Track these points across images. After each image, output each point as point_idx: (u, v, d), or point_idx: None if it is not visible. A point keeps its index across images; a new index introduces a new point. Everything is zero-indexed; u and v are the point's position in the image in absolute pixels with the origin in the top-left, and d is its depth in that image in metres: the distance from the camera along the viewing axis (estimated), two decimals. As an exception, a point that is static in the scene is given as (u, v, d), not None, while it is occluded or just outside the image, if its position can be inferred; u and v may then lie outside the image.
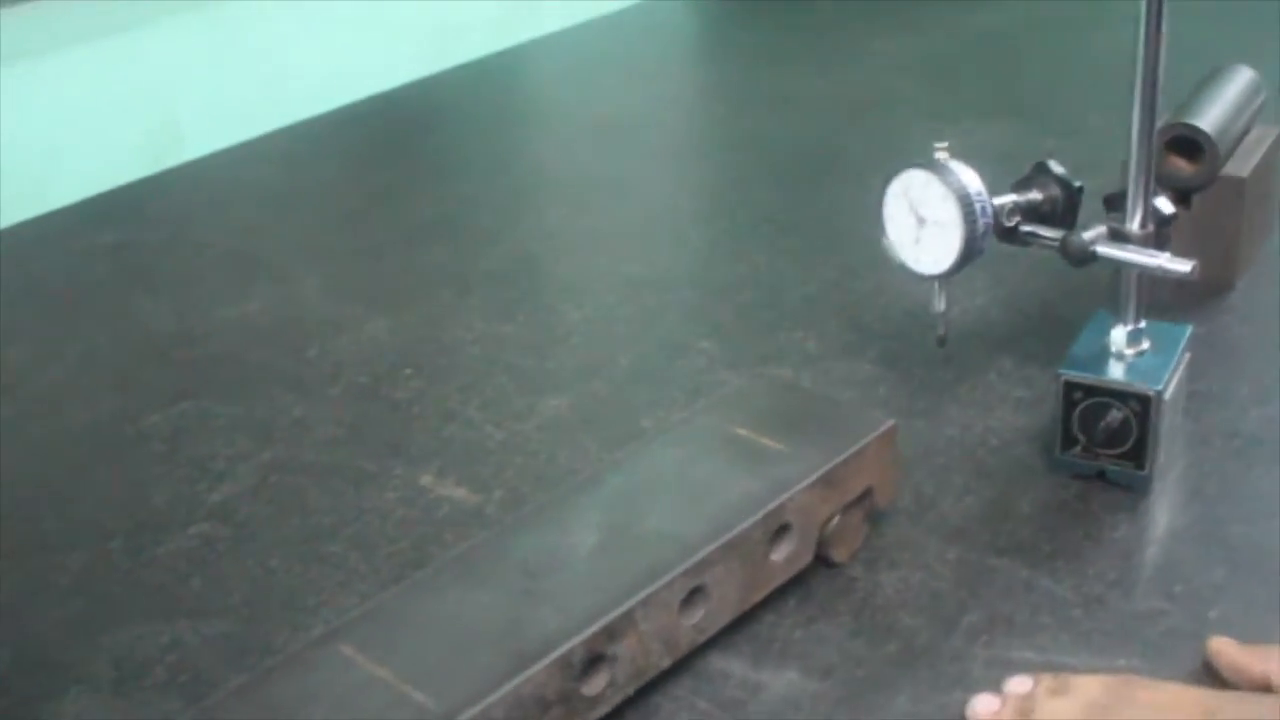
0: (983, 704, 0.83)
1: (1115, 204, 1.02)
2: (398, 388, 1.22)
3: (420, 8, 2.29)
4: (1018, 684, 0.83)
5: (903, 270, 1.05)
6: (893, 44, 1.97)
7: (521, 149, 1.81)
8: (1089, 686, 0.81)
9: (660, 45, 2.18)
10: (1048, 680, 0.83)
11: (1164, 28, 0.96)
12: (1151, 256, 0.97)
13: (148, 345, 1.34)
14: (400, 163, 1.74)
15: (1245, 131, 1.19)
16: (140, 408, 1.23)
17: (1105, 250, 0.99)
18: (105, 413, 1.23)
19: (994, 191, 1.03)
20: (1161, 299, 1.06)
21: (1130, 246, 0.99)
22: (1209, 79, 1.19)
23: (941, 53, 1.94)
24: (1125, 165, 1.11)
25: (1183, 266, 0.96)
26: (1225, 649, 0.84)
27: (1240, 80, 1.19)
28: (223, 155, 1.79)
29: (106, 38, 1.99)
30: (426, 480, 1.09)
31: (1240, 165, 1.22)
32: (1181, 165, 1.12)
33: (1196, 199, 1.13)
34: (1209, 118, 1.13)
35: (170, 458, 1.15)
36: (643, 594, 0.82)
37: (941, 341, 1.07)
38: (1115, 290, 1.04)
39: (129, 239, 1.58)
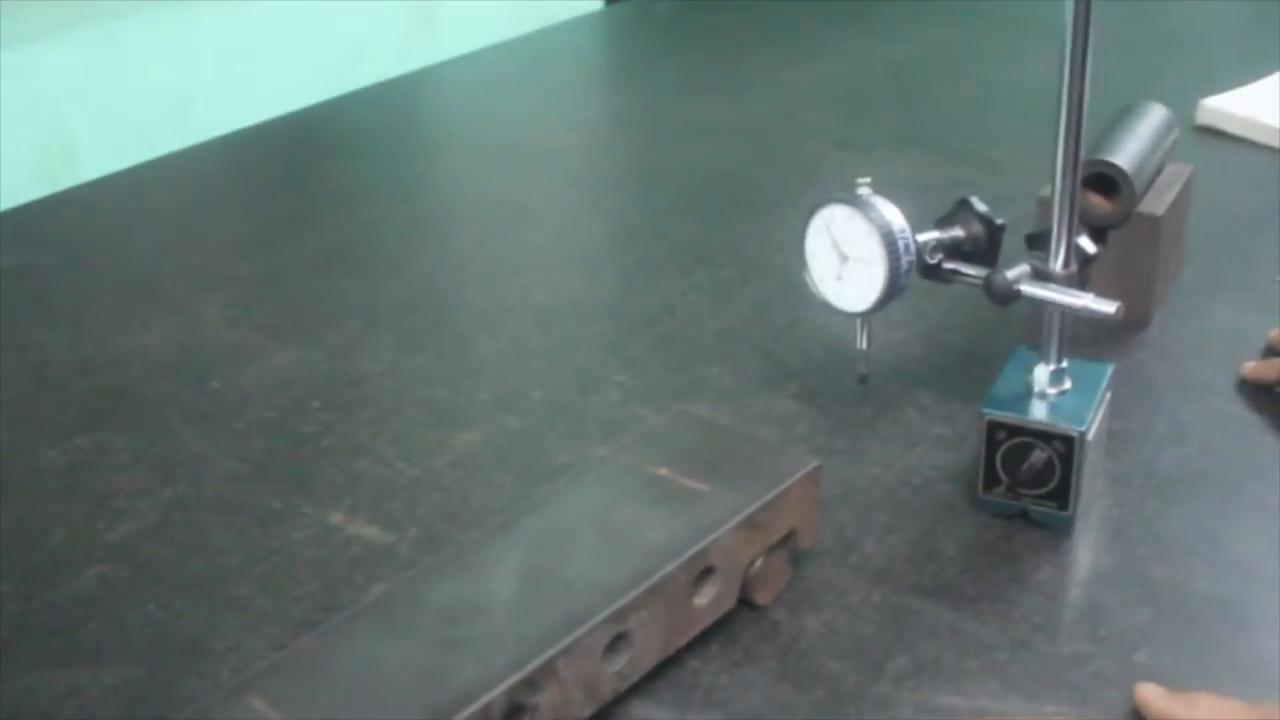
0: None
1: (1037, 243, 1.01)
2: (305, 421, 1.18)
3: (323, 29, 2.25)
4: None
5: (824, 307, 1.04)
6: (803, 73, 1.96)
7: (427, 174, 1.78)
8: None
9: (568, 70, 2.16)
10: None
11: (1089, 65, 0.96)
12: (1076, 297, 0.97)
13: (43, 375, 1.29)
14: (302, 188, 1.70)
15: (1159, 169, 1.19)
16: (35, 442, 1.18)
17: (1030, 290, 0.98)
18: (-2, 447, 1.19)
19: (914, 227, 1.02)
20: (1078, 334, 1.05)
21: (1054, 286, 0.98)
22: (1122, 116, 1.19)
23: (852, 83, 1.94)
24: (1043, 202, 1.11)
25: (1107, 308, 0.95)
26: (1152, 698, 0.84)
27: (1153, 117, 1.19)
28: (120, 177, 1.74)
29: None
30: (336, 519, 1.06)
31: (1155, 203, 1.23)
32: (1098, 202, 1.12)
33: (1112, 236, 1.12)
34: (1125, 154, 1.13)
35: (67, 495, 1.11)
36: (564, 642, 0.80)
37: (863, 379, 1.06)
38: (1035, 327, 1.04)
39: (21, 263, 1.53)
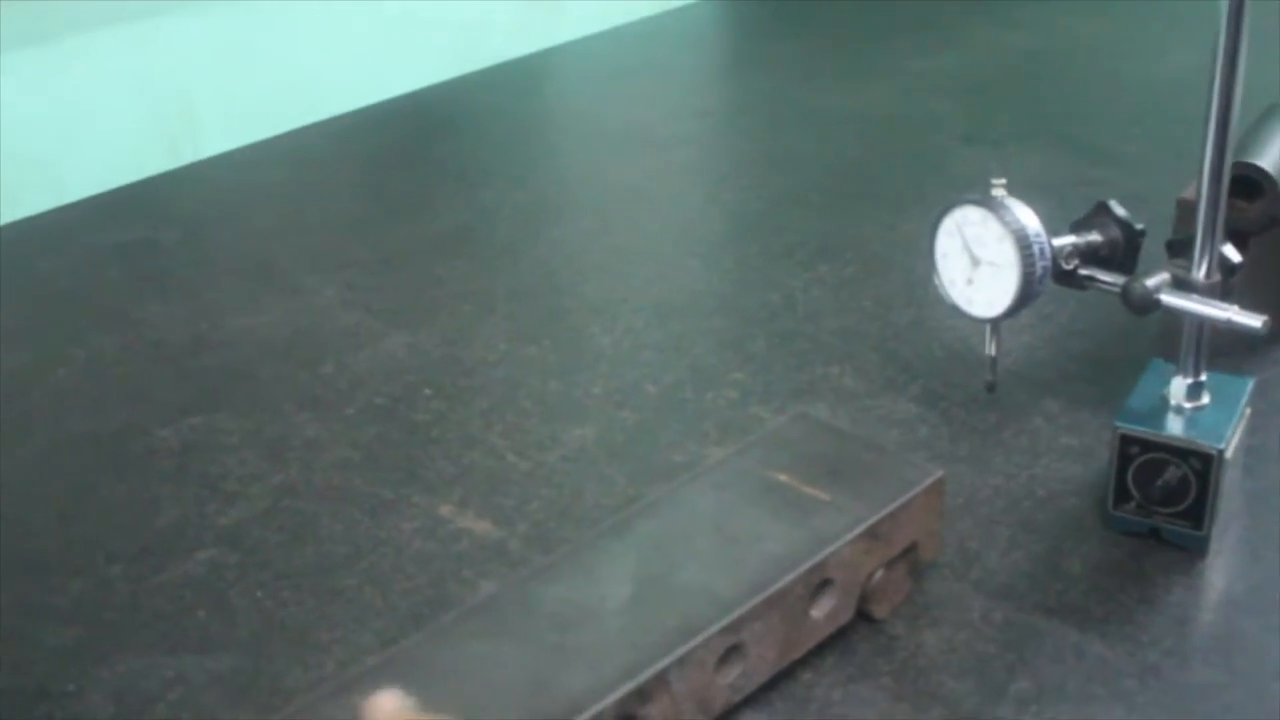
0: None
1: (1179, 250, 0.97)
2: (417, 409, 1.17)
3: (445, 8, 2.25)
4: None
5: (953, 311, 1.00)
6: (930, 64, 1.92)
7: (545, 159, 1.77)
8: None
9: (689, 54, 2.13)
10: None
11: (1240, 66, 0.91)
12: (1220, 309, 0.92)
13: (158, 353, 1.29)
14: (419, 169, 1.69)
15: (1305, 173, 1.14)
16: (149, 420, 1.18)
17: (1170, 300, 0.94)
18: (112, 424, 1.18)
19: (1046, 228, 0.98)
20: (1214, 344, 1.01)
21: (1196, 296, 0.94)
22: (1266, 116, 1.15)
23: (980, 74, 1.89)
24: (1183, 204, 1.07)
25: (1254, 321, 0.91)
26: None
27: (1301, 119, 1.14)
28: (240, 154, 1.75)
29: (122, 24, 1.95)
30: (446, 511, 1.04)
31: (1300, 208, 1.18)
32: (1240, 206, 1.08)
33: (1253, 242, 1.08)
34: (1270, 156, 1.09)
35: (178, 476, 1.11)
36: (677, 652, 0.78)
37: (991, 387, 1.02)
38: (1170, 337, 0.99)
39: (141, 239, 1.53)
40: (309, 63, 2.07)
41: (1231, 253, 0.97)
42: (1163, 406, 0.98)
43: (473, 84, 1.97)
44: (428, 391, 1.19)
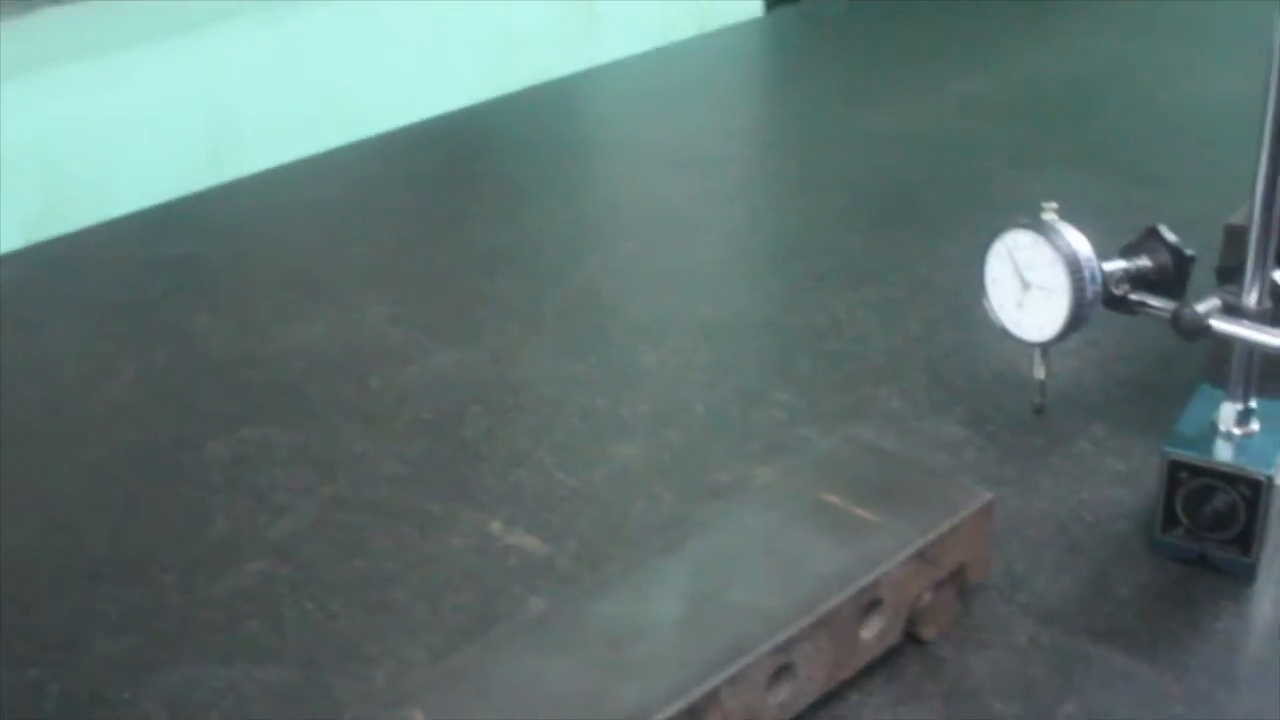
0: None
1: (1229, 276, 0.97)
2: (465, 426, 1.18)
3: (487, 26, 2.26)
4: None
5: (1003, 334, 1.01)
6: (973, 85, 1.92)
7: (589, 178, 1.78)
8: None
9: (731, 75, 2.14)
10: None
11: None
12: (1271, 335, 0.93)
13: (207, 367, 1.30)
14: (464, 187, 1.70)
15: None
16: (200, 432, 1.19)
17: (1221, 326, 0.94)
18: (163, 436, 1.20)
19: (1097, 253, 0.98)
20: (1264, 370, 1.01)
21: (1246, 322, 0.94)
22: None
23: (1024, 96, 1.89)
24: (1231, 230, 1.07)
25: (1305, 348, 0.91)
26: None
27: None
28: (285, 170, 1.76)
29: (167, 38, 1.97)
30: (495, 527, 1.05)
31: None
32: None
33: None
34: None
35: (229, 488, 1.12)
36: (728, 671, 0.78)
37: (1039, 410, 1.03)
38: (1218, 362, 1.00)
39: (188, 253, 1.55)
40: (352, 80, 2.09)
41: (1282, 279, 0.97)
42: (1211, 432, 0.98)
43: (514, 103, 1.99)
44: (476, 408, 1.20)
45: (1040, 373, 1.02)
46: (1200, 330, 0.95)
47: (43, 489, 1.14)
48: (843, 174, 1.67)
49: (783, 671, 0.82)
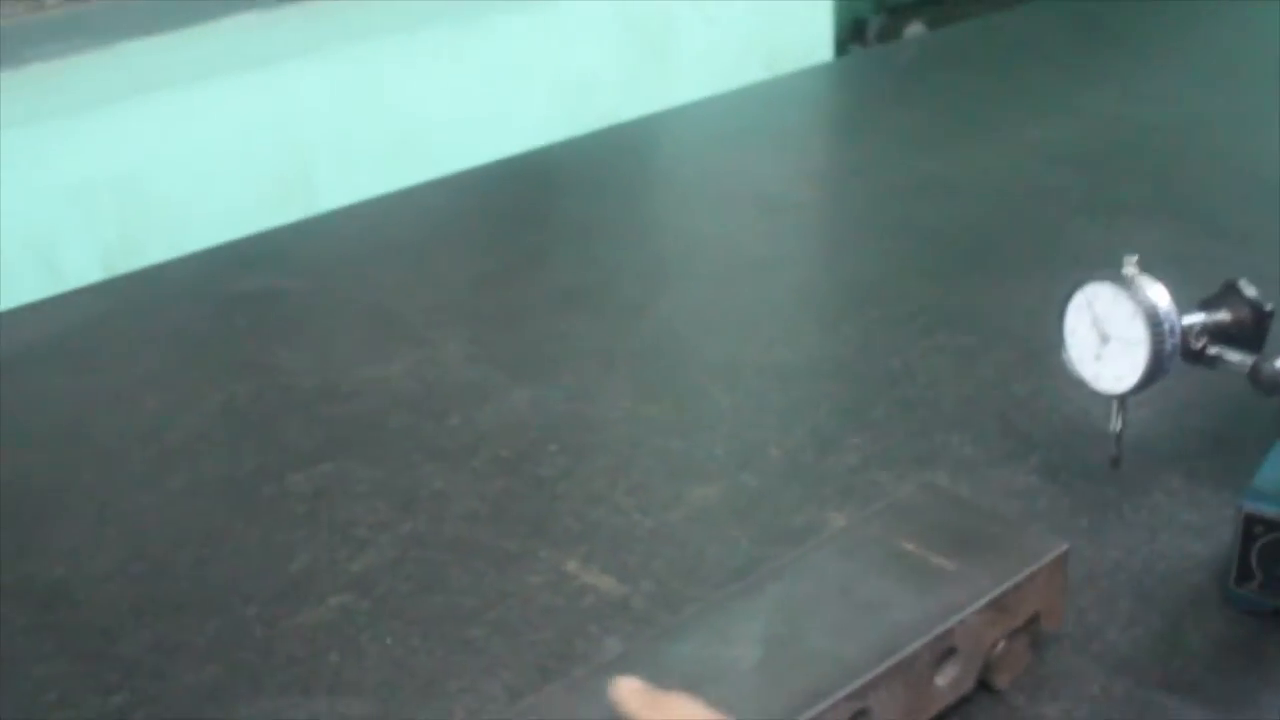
0: None
1: (1309, 331, 0.98)
2: (542, 464, 1.20)
3: (561, 67, 2.29)
4: None
5: (1081, 386, 1.02)
6: (1046, 132, 1.92)
7: (664, 218, 1.80)
8: None
9: (803, 119, 2.15)
10: None
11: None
12: (1350, 392, 0.93)
13: (289, 400, 1.32)
14: (540, 226, 1.72)
15: None
16: (281, 465, 1.21)
17: (1300, 381, 0.95)
18: (246, 468, 1.22)
19: (1175, 306, 0.99)
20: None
21: (1326, 379, 0.95)
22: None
23: (1097, 144, 1.89)
24: (1310, 286, 1.07)
25: (1385, 406, 0.91)
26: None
27: None
28: (363, 206, 1.79)
29: (246, 72, 2.01)
30: (571, 566, 1.06)
31: None
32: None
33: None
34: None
35: (310, 521, 1.14)
36: (805, 716, 0.79)
37: (1116, 462, 1.03)
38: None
39: (270, 287, 1.57)
40: (430, 118, 2.12)
41: (1362, 336, 0.97)
42: (1289, 488, 0.98)
43: (588, 145, 2.00)
44: (553, 447, 1.22)
45: (1117, 424, 1.03)
46: (1278, 386, 0.96)
47: (127, 519, 1.16)
48: (915, 220, 1.67)
49: (859, 717, 0.82)
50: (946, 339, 1.37)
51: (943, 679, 0.87)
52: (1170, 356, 0.97)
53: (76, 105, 1.86)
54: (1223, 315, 1.00)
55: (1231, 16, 2.40)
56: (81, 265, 1.77)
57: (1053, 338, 1.07)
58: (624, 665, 0.84)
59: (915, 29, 3.93)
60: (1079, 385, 1.03)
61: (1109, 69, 2.15)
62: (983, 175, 1.80)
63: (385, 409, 1.30)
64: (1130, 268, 0.98)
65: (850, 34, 4.09)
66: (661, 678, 0.82)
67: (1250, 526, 0.96)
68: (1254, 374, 0.96)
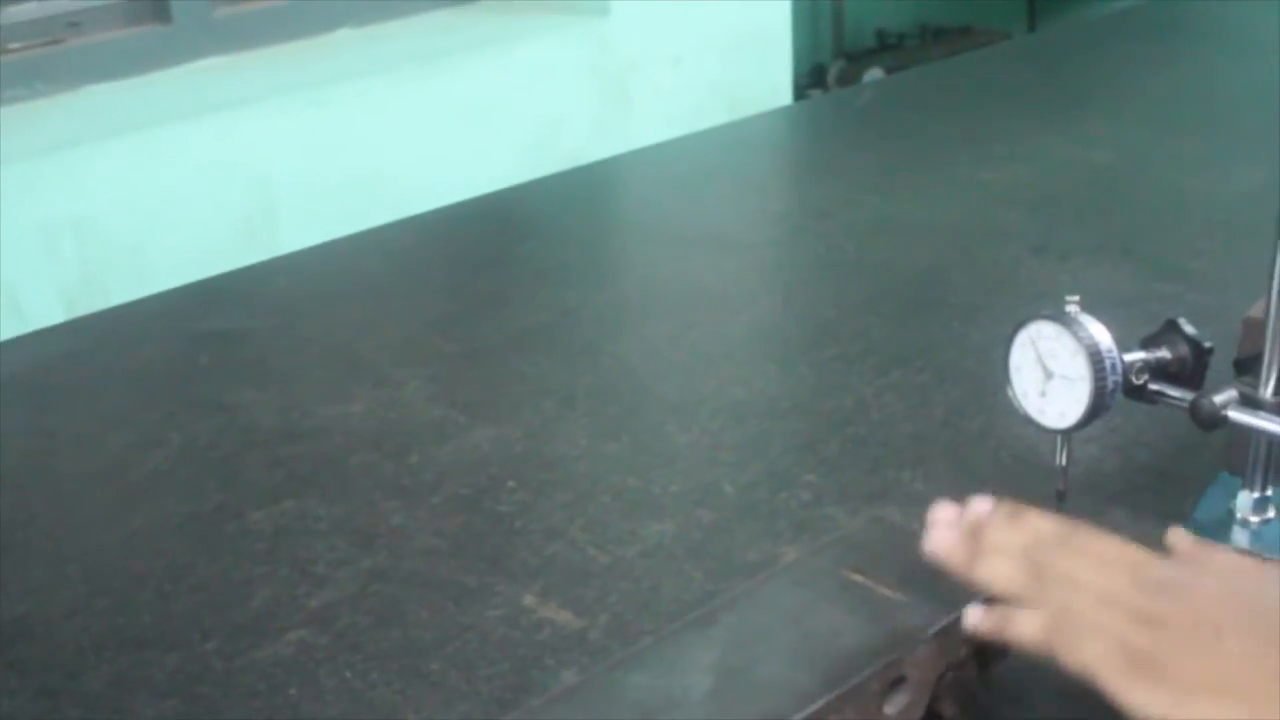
0: (942, 512, 0.90)
1: (1247, 367, 1.01)
2: (500, 501, 1.21)
3: (524, 110, 2.32)
4: (979, 504, 0.91)
5: (1026, 421, 1.04)
6: (1000, 174, 1.96)
7: (623, 260, 1.82)
8: (1041, 522, 0.88)
9: (764, 161, 2.18)
10: (1005, 508, 0.90)
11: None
12: (1287, 426, 0.96)
13: (250, 439, 1.34)
14: (502, 266, 1.74)
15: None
16: (242, 503, 1.23)
17: (1238, 416, 0.97)
18: (207, 506, 1.23)
19: (1118, 343, 1.02)
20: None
21: (1263, 413, 0.97)
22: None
23: (1049, 186, 1.92)
24: (1250, 323, 1.10)
25: (1320, 439, 0.94)
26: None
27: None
28: (326, 247, 1.80)
29: (209, 114, 2.02)
30: (529, 600, 1.08)
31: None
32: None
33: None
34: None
35: (271, 558, 1.15)
36: (756, 743, 0.81)
37: (1061, 496, 1.06)
38: (1237, 450, 1.02)
39: (232, 327, 1.59)
40: (392, 160, 2.14)
41: (1298, 372, 1.00)
42: (1229, 520, 1.01)
43: (551, 186, 2.03)
44: (511, 484, 1.24)
45: (1062, 459, 1.05)
46: (1217, 421, 0.98)
47: (88, 556, 1.18)
48: (870, 260, 1.70)
49: (808, 745, 0.84)
50: (899, 377, 1.39)
51: (892, 707, 0.89)
52: (1112, 393, 0.99)
53: (39, 148, 1.87)
54: (1164, 353, 1.03)
55: (1179, 62, 2.45)
56: (44, 306, 1.78)
57: (1002, 376, 1.09)
58: (577, 695, 0.86)
59: (874, 74, 3.99)
60: (1028, 422, 1.05)
61: (1061, 113, 2.19)
62: (937, 216, 1.83)
63: (346, 447, 1.31)
64: (1072, 306, 1.00)
65: (811, 79, 4.15)
66: (614, 708, 0.84)
67: (1192, 558, 0.98)
68: (1193, 410, 0.99)
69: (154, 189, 1.95)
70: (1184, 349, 1.03)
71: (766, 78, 2.71)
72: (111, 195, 1.91)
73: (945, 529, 0.90)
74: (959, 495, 1.18)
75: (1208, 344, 1.03)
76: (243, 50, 2.27)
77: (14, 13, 2.10)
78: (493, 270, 1.72)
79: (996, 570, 0.86)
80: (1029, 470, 1.22)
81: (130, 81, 2.14)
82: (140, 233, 1.92)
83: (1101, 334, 0.99)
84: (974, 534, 0.88)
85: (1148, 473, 1.22)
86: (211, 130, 2.02)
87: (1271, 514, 1.00)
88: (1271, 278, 0.97)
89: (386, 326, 1.58)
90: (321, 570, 1.13)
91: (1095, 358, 0.98)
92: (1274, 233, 0.96)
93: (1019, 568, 0.85)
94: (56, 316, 1.71)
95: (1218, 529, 0.99)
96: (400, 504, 1.21)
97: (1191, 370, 1.03)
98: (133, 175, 1.93)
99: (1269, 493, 1.00)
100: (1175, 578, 0.82)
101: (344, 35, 2.38)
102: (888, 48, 4.43)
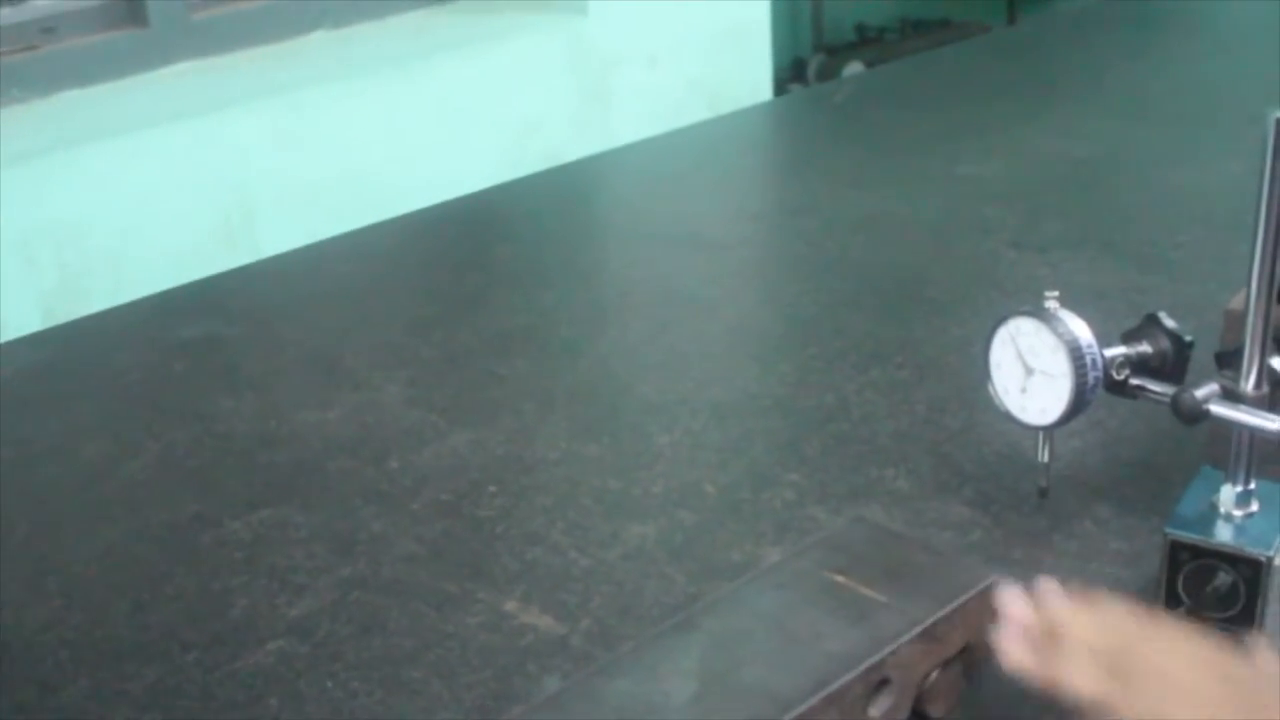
0: (1013, 606, 0.83)
1: (1228, 361, 1.00)
2: (481, 506, 1.20)
3: (503, 110, 2.31)
4: (1049, 594, 0.83)
5: (1007, 418, 1.03)
6: (980, 169, 1.95)
7: (602, 259, 1.81)
8: (1118, 614, 0.82)
9: (743, 159, 2.18)
10: (1076, 597, 0.83)
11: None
12: (1269, 420, 0.95)
13: (227, 447, 1.33)
14: (481, 268, 1.73)
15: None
16: (220, 512, 1.22)
17: (1219, 410, 0.97)
18: (184, 515, 1.22)
19: (1095, 335, 1.01)
20: (1264, 453, 1.03)
21: (1244, 407, 0.97)
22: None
23: (1029, 181, 1.92)
24: (1231, 315, 1.09)
25: (1302, 432, 0.93)
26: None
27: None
28: (302, 252, 1.79)
29: (184, 120, 2.01)
30: (510, 606, 1.07)
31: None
32: (1288, 319, 1.10)
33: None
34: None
35: (249, 567, 1.14)
36: (740, 749, 0.80)
37: (1043, 493, 1.05)
38: (1219, 444, 1.02)
39: (209, 333, 1.58)
40: (370, 163, 2.13)
41: (1279, 365, 0.99)
42: (1212, 513, 1.00)
43: (530, 186, 2.02)
44: (491, 488, 1.23)
45: (1044, 455, 1.04)
46: (1199, 415, 0.98)
47: (65, 567, 1.16)
48: (851, 256, 1.69)
49: (793, 749, 0.83)
50: (880, 374, 1.39)
51: (877, 709, 0.89)
52: (1093, 389, 0.98)
53: (16, 154, 1.85)
54: (1144, 347, 1.02)
55: (1158, 54, 2.45)
56: (21, 313, 1.77)
57: (983, 371, 1.09)
58: (559, 703, 0.85)
59: (854, 68, 3.98)
60: (1009, 419, 1.04)
61: (1040, 107, 2.19)
62: (917, 212, 1.82)
63: (324, 454, 1.30)
64: (1052, 302, 0.99)
65: (791, 74, 4.14)
66: (596, 715, 0.83)
67: (1176, 553, 0.98)
68: (1175, 404, 0.98)
69: (132, 193, 1.93)
70: (1165, 343, 1.02)
71: (746, 74, 2.70)
72: (89, 200, 1.90)
73: (1018, 632, 0.83)
74: (943, 494, 1.18)
75: (1188, 338, 1.02)
76: (220, 53, 2.25)
77: (-12, 19, 2.08)
78: (471, 272, 1.72)
79: (1080, 674, 0.80)
80: (1014, 467, 1.21)
81: (107, 86, 2.13)
82: (118, 237, 1.90)
83: (1081, 329, 0.98)
84: (1048, 632, 0.82)
85: (1131, 468, 1.22)
86: (189, 134, 2.00)
87: (1254, 507, 0.99)
88: (1251, 270, 0.96)
89: (364, 330, 1.57)
90: (301, 579, 1.12)
91: (1075, 353, 0.97)
92: (1253, 224, 0.95)
93: (1102, 668, 0.80)
94: (34, 323, 1.70)
95: (1201, 524, 0.98)
96: (379, 510, 1.21)
97: (1173, 364, 1.03)
98: (110, 180, 1.92)
99: (1252, 486, 0.99)
100: (1262, 679, 0.78)
101: (320, 37, 2.37)
102: (867, 42, 4.42)
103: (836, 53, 4.28)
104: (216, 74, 2.22)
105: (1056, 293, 1.00)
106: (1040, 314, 0.99)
